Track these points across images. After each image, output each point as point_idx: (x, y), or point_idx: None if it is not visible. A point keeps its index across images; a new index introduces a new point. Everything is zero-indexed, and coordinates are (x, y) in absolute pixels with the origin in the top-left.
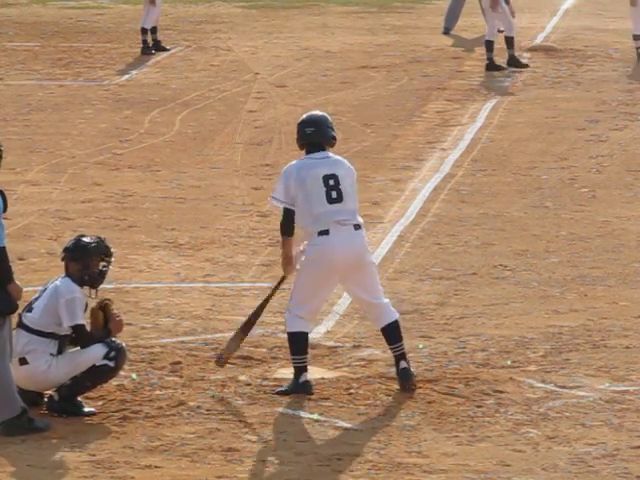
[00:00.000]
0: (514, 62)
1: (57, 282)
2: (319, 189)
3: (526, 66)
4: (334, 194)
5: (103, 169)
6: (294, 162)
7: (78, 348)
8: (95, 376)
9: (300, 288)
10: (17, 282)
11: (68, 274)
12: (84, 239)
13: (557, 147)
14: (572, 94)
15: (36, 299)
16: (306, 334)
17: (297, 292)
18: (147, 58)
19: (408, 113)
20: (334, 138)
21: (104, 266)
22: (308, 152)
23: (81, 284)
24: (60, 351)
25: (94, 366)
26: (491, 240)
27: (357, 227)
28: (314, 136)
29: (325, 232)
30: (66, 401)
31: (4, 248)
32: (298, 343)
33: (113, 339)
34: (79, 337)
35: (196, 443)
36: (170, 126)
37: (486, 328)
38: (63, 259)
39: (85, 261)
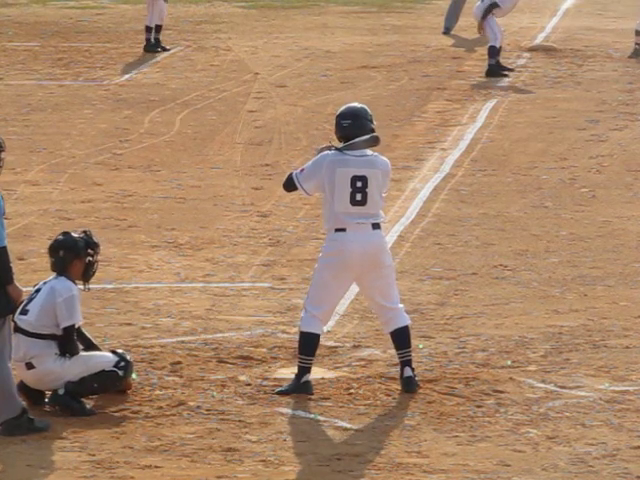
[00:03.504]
0: (492, 72)
1: (52, 282)
2: (345, 189)
3: (505, 75)
4: (358, 196)
5: (103, 169)
6: (331, 152)
7: (91, 352)
8: (102, 380)
9: (316, 285)
10: (17, 284)
11: (66, 273)
12: (74, 235)
13: (557, 147)
14: (572, 94)
15: (29, 301)
16: (318, 336)
17: (313, 290)
18: (147, 58)
19: (408, 113)
20: (373, 131)
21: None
22: None
23: (84, 279)
24: (60, 351)
25: (103, 370)
26: (491, 240)
27: (375, 226)
28: (351, 129)
29: (342, 229)
30: (70, 396)
31: (5, 248)
32: (308, 344)
33: (123, 352)
34: (65, 337)
35: (196, 443)
36: (170, 126)
37: (486, 328)
38: (63, 259)
39: (89, 256)
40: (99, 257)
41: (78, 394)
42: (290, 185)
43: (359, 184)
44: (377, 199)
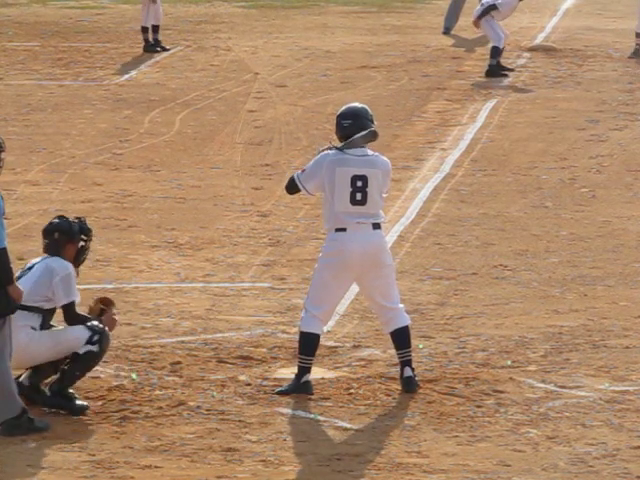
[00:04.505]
0: (492, 72)
1: (47, 261)
2: (345, 189)
3: (505, 75)
4: (359, 196)
5: (103, 169)
6: (331, 152)
7: (60, 327)
8: (81, 364)
9: (316, 285)
10: (17, 284)
11: (58, 256)
12: (69, 218)
13: (557, 147)
14: (572, 94)
15: (19, 277)
16: (318, 336)
17: (313, 289)
18: (147, 58)
19: (408, 113)
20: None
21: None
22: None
23: (75, 264)
24: (43, 326)
25: (78, 354)
26: (491, 240)
27: (376, 226)
28: (352, 129)
29: (342, 229)
30: (58, 395)
31: (5, 249)
32: (308, 344)
33: (95, 323)
34: (67, 314)
35: (196, 443)
36: (170, 126)
37: (486, 328)
38: (57, 242)
39: (82, 241)
40: (91, 244)
41: (65, 388)
42: (292, 187)
43: (359, 184)
44: (377, 199)
